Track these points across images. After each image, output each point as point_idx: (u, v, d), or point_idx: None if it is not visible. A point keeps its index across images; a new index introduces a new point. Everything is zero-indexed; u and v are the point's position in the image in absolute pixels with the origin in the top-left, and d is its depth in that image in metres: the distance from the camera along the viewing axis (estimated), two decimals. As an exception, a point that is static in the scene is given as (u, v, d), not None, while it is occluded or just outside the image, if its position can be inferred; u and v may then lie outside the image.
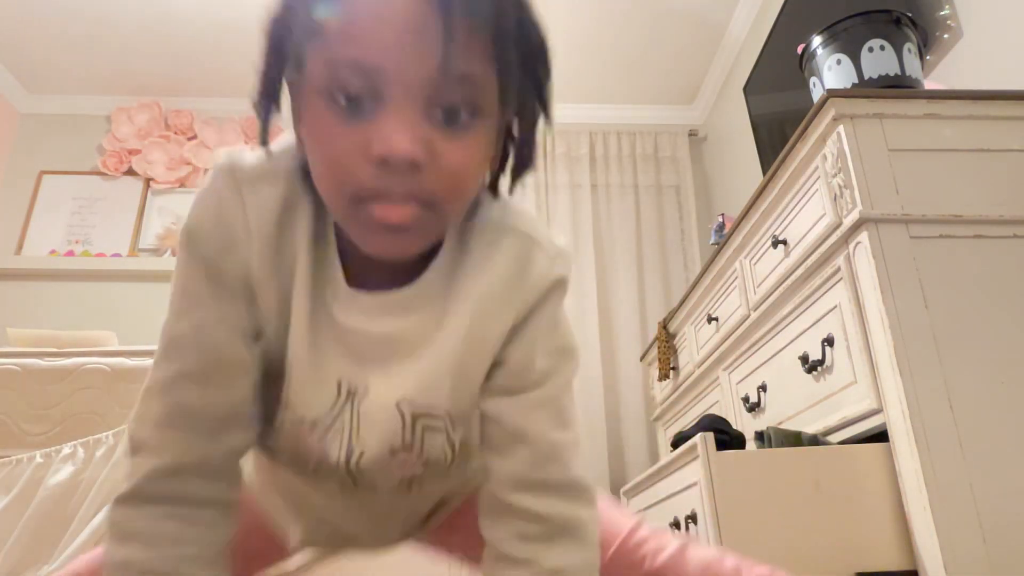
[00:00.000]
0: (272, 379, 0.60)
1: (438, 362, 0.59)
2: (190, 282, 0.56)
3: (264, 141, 0.55)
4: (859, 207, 1.17)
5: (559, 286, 0.61)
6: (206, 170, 3.34)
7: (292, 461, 0.65)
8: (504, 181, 0.59)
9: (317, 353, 0.58)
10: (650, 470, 1.46)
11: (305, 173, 0.55)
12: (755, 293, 1.58)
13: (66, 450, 1.68)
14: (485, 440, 0.62)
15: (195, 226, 0.55)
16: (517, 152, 0.57)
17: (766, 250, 1.52)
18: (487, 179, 0.59)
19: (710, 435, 1.15)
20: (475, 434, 0.64)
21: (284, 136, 0.58)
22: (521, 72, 0.51)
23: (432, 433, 0.62)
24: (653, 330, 2.96)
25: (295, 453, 0.63)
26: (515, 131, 0.56)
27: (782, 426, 1.38)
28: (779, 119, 2.57)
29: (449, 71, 0.47)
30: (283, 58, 0.52)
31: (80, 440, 1.70)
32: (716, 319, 1.83)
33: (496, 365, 0.61)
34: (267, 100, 0.53)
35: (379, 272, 0.57)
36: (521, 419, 0.59)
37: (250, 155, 0.56)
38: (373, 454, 0.62)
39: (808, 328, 1.34)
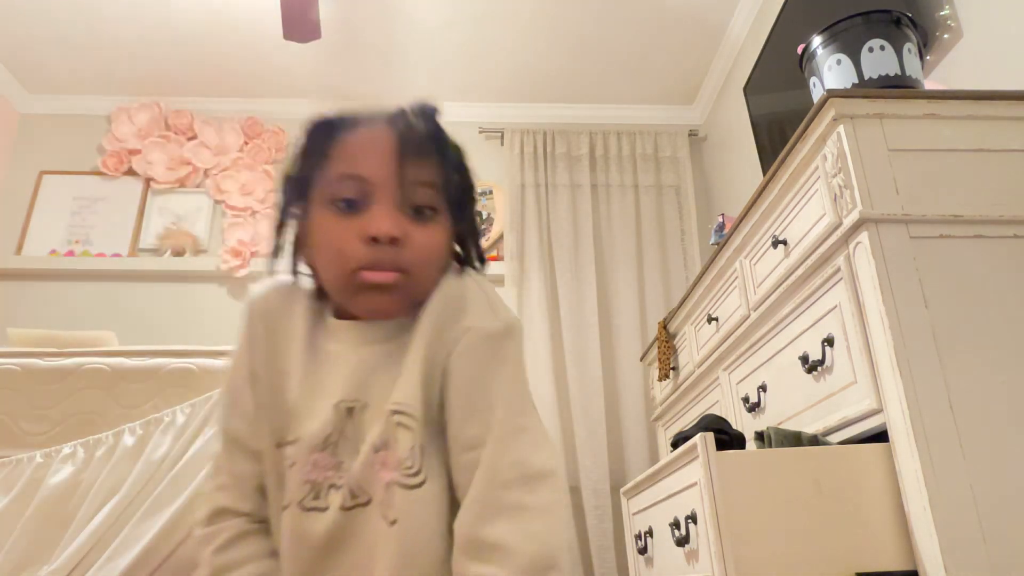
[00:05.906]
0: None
1: (410, 375, 0.70)
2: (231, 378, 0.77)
3: (277, 254, 0.76)
4: (859, 207, 1.17)
5: (494, 337, 0.70)
6: (206, 170, 3.37)
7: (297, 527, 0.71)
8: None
9: (316, 382, 0.73)
10: (650, 470, 1.46)
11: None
12: (755, 293, 1.58)
13: (66, 450, 1.68)
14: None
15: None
16: (473, 248, 0.78)
17: (766, 250, 1.52)
18: (453, 265, 0.76)
19: (710, 435, 1.15)
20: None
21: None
22: (456, 183, 0.73)
23: (404, 430, 0.69)
24: (653, 330, 2.96)
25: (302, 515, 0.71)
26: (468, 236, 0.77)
27: (782, 426, 1.38)
28: (779, 119, 2.57)
29: (408, 179, 0.69)
30: (292, 198, 0.74)
31: (80, 440, 1.70)
32: (716, 319, 1.83)
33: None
34: (279, 231, 0.75)
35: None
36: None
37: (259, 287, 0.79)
38: (366, 452, 0.70)
39: (808, 328, 1.34)
